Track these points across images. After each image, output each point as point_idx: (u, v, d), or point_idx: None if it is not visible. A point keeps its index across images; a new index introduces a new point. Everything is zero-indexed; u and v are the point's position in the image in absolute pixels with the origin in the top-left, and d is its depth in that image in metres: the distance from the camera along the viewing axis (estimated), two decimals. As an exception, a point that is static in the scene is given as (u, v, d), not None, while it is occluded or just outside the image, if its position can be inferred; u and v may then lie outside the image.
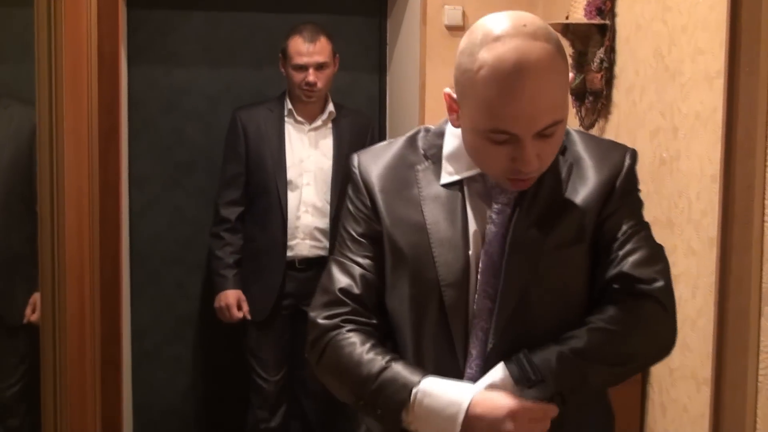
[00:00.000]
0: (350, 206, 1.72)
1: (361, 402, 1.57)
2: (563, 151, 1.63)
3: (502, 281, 1.59)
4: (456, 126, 1.61)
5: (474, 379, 1.57)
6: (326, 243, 3.71)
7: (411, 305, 1.64)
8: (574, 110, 3.50)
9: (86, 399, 2.42)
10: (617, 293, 1.59)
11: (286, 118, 3.71)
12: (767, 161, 2.13)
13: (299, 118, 3.71)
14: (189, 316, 4.16)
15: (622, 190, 1.64)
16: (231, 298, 3.66)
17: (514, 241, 1.59)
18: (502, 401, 1.49)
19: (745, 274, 2.17)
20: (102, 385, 2.52)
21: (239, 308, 3.68)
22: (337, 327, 1.63)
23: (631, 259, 1.60)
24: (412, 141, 1.73)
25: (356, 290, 1.66)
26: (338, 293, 1.66)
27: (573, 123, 3.54)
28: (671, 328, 1.63)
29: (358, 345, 1.60)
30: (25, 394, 3.28)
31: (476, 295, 1.60)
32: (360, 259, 1.68)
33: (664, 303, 1.60)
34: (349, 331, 1.63)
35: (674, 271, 2.60)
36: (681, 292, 2.58)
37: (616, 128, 3.13)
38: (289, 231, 3.65)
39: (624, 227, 1.62)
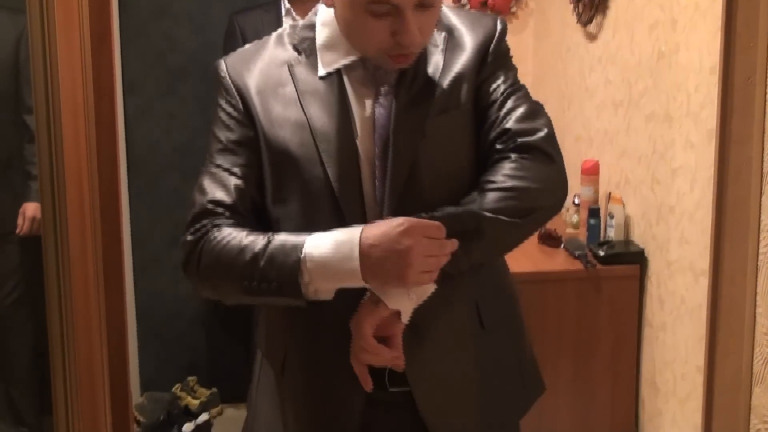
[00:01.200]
0: (221, 114, 1.64)
1: (254, 283, 1.48)
2: (436, 24, 1.60)
3: (389, 163, 1.55)
4: (329, 5, 1.57)
5: None
6: None
7: (301, 207, 1.58)
8: (571, 6, 3.45)
9: (90, 303, 2.43)
10: (503, 151, 1.58)
11: (284, 18, 3.65)
12: (768, 51, 2.11)
13: (297, 17, 3.65)
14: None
15: (496, 53, 1.64)
16: None
17: (397, 119, 1.56)
18: (393, 222, 1.44)
19: (744, 165, 2.16)
20: (105, 291, 2.53)
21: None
22: (206, 233, 1.54)
23: (512, 116, 1.59)
24: (279, 39, 1.66)
25: (228, 199, 1.56)
26: (207, 204, 1.57)
27: (570, 19, 3.49)
28: (560, 176, 1.61)
29: (234, 235, 1.52)
30: (23, 302, 3.31)
31: (373, 183, 1.57)
32: (234, 168, 1.59)
33: (550, 152, 1.58)
34: (219, 227, 1.54)
35: (673, 165, 2.61)
36: (679, 186, 2.58)
37: (614, 23, 3.09)
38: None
39: (502, 88, 1.62)
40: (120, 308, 2.61)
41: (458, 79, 1.60)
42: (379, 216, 1.54)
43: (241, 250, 1.50)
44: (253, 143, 1.59)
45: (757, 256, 2.16)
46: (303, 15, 3.64)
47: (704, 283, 2.37)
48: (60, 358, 2.31)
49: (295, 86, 1.59)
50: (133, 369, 3.94)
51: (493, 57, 1.63)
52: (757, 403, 2.18)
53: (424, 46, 1.58)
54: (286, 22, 3.64)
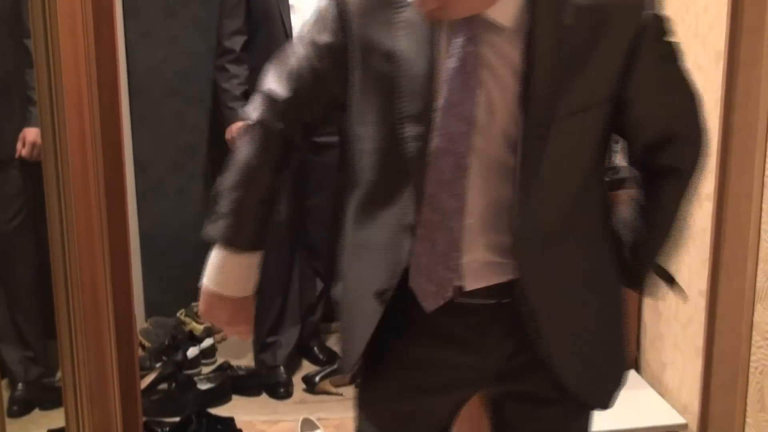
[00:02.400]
0: (320, 12, 1.55)
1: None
2: None
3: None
4: None
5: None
6: None
7: (376, 134, 1.50)
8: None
9: (93, 228, 2.41)
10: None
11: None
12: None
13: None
14: (190, 148, 4.14)
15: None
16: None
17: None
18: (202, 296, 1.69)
19: (753, 87, 2.13)
20: (108, 215, 2.50)
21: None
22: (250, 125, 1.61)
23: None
24: None
25: (282, 94, 1.58)
26: (264, 91, 1.61)
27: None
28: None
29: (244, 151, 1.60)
30: (26, 227, 3.30)
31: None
32: (311, 63, 1.55)
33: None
34: (252, 133, 1.61)
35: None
36: (686, 109, 2.54)
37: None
38: (295, 55, 3.59)
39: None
40: (123, 234, 2.59)
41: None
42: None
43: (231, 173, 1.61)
44: (340, 52, 1.52)
45: (764, 176, 2.13)
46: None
47: (708, 207, 2.35)
48: (63, 283, 2.30)
49: (396, 11, 1.46)
50: (138, 294, 3.95)
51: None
52: (760, 320, 2.17)
53: None
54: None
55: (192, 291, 4.17)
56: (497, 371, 1.56)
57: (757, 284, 2.16)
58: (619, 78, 1.42)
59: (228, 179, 1.61)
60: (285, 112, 1.58)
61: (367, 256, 1.56)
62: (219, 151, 3.78)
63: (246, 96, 3.60)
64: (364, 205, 1.57)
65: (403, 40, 1.44)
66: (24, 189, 3.27)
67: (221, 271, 1.65)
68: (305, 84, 1.57)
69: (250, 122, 1.61)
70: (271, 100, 1.59)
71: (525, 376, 1.56)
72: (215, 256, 1.65)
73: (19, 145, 3.16)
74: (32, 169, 3.10)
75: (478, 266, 1.48)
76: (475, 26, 1.39)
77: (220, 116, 3.72)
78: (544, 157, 1.40)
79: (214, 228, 1.64)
